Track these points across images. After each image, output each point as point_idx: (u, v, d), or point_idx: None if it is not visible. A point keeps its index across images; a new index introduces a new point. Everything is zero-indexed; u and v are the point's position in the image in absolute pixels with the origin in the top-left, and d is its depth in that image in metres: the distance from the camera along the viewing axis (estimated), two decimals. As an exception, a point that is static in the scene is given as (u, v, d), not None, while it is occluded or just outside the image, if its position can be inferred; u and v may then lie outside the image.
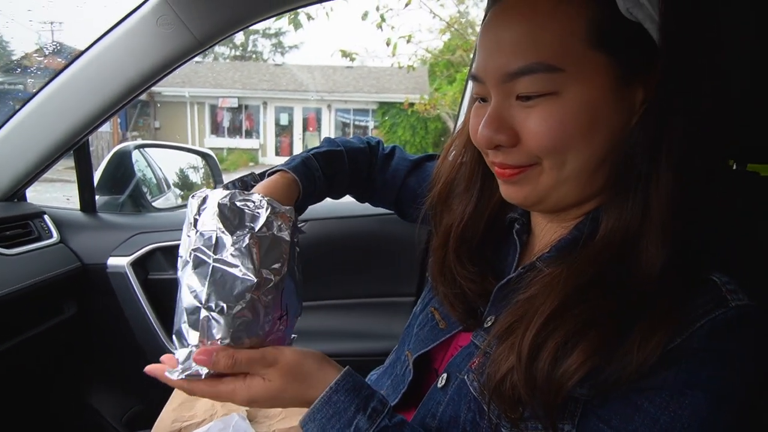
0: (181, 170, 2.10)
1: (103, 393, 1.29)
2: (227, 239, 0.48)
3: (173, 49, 1.05)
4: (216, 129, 13.58)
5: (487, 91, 0.48)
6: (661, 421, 0.40)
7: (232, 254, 0.47)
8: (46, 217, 1.23)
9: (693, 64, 0.43)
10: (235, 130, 13.67)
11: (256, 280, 0.47)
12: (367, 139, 0.86)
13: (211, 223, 0.48)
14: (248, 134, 13.65)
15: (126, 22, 1.05)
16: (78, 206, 1.32)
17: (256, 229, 0.49)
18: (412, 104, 7.33)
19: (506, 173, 0.49)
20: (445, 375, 0.55)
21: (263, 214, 0.50)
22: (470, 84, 1.33)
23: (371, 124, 12.71)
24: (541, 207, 0.52)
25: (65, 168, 1.32)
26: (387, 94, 12.05)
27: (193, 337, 0.47)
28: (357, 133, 12.76)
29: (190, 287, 0.48)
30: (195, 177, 2.12)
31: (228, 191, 0.51)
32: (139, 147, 1.70)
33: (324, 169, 0.74)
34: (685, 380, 0.40)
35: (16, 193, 1.19)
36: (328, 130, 12.94)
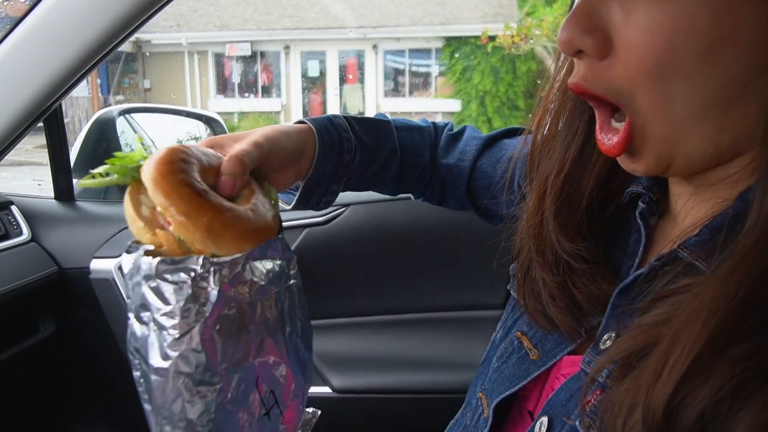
0: (180, 142, 2.19)
1: (89, 426, 1.39)
2: (166, 337, 0.48)
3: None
4: (223, 86, 14.04)
5: None
6: None
7: (177, 364, 0.47)
8: (13, 208, 1.32)
9: None
10: (248, 87, 14.06)
11: (217, 386, 0.49)
12: (433, 122, 0.91)
13: (141, 309, 0.48)
14: (266, 92, 14.00)
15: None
16: (52, 193, 1.42)
17: (208, 314, 0.48)
18: (492, 38, 7.21)
19: (612, 150, 0.49)
20: (545, 419, 0.55)
21: (212, 288, 0.49)
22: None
23: (435, 69, 12.61)
24: (673, 172, 0.50)
25: (35, 147, 1.42)
26: (457, 25, 11.88)
27: None
28: (415, 82, 12.74)
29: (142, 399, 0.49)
30: (197, 151, 2.20)
31: (153, 259, 0.49)
32: (125, 112, 1.80)
33: (358, 134, 0.78)
34: None
35: (-23, 178, 1.31)
36: (375, 79, 12.98)
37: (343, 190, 0.80)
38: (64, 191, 1.42)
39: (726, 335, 0.39)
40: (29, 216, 1.34)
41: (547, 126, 0.62)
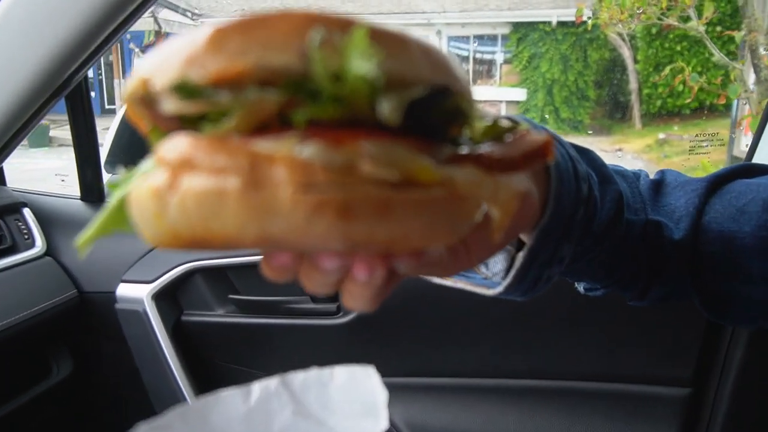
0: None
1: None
2: None
3: None
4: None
5: None
6: None
7: None
8: (26, 211, 1.13)
9: None
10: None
11: None
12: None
13: None
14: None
15: None
16: (77, 192, 1.24)
17: None
18: (584, 22, 6.78)
19: None
20: None
21: None
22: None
23: (500, 57, 12.28)
24: None
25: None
26: (525, 10, 11.57)
27: None
28: (479, 70, 12.43)
29: None
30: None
31: None
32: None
33: (594, 172, 0.54)
34: None
35: (-15, 171, 1.14)
36: (437, 67, 12.83)
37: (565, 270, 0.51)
38: (91, 189, 1.22)
39: None
40: (46, 221, 1.14)
41: None
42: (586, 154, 0.56)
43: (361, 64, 0.22)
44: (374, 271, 0.31)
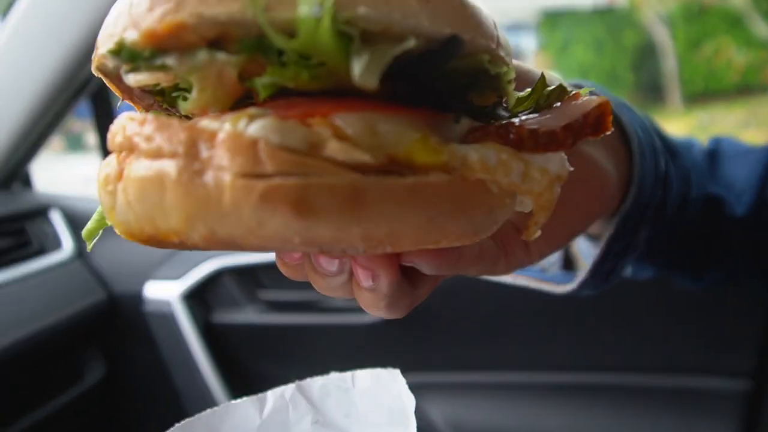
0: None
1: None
2: None
3: None
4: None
5: None
6: None
7: None
8: (53, 214, 1.12)
9: None
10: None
11: None
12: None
13: None
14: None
15: None
16: None
17: None
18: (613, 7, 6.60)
19: None
20: None
21: None
22: None
23: (532, 45, 12.06)
24: None
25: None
26: None
27: None
28: (512, 59, 12.36)
29: None
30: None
31: None
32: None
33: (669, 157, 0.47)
34: None
35: (12, 173, 1.11)
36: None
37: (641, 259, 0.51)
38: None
39: None
40: (75, 223, 1.13)
41: None
42: (666, 138, 0.50)
43: (307, 4, 0.17)
44: (377, 276, 0.26)
